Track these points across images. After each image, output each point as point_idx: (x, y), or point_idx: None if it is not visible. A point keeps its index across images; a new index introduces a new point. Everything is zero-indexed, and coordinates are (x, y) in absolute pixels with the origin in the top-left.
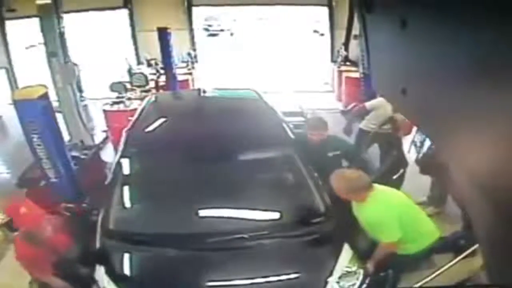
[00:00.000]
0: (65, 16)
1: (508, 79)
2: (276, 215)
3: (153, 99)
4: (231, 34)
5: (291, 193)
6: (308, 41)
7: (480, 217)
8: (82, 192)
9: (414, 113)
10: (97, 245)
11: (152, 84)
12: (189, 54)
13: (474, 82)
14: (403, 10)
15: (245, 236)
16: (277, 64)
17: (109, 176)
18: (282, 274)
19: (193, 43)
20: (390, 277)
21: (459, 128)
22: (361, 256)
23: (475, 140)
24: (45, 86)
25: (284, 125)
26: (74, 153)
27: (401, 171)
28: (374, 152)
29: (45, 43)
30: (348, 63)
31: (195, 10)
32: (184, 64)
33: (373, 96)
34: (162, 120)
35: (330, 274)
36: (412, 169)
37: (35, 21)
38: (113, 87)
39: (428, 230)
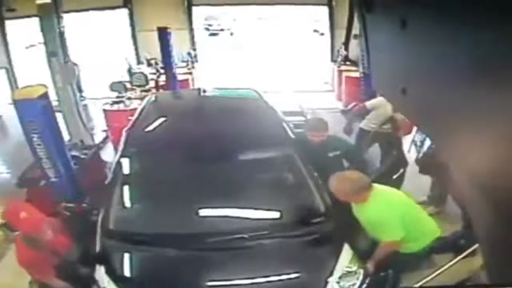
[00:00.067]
0: (65, 15)
1: (508, 79)
2: (276, 215)
3: (153, 98)
4: (231, 34)
5: (291, 193)
6: (308, 41)
7: (480, 216)
8: (82, 191)
9: (414, 113)
10: (97, 245)
11: (152, 83)
12: (189, 53)
13: (474, 82)
14: (403, 10)
15: (245, 236)
16: (277, 64)
17: (109, 175)
18: (282, 274)
19: (193, 42)
20: (390, 277)
21: (459, 128)
22: (361, 256)
23: (475, 139)
24: (45, 86)
25: (284, 124)
26: (74, 153)
27: (401, 170)
28: (375, 152)
29: (45, 43)
30: (348, 62)
31: (195, 9)
32: (184, 64)
33: (373, 96)
34: (162, 119)
35: (330, 274)
36: (412, 169)
37: (35, 20)
38: (113, 86)
39: (429, 228)
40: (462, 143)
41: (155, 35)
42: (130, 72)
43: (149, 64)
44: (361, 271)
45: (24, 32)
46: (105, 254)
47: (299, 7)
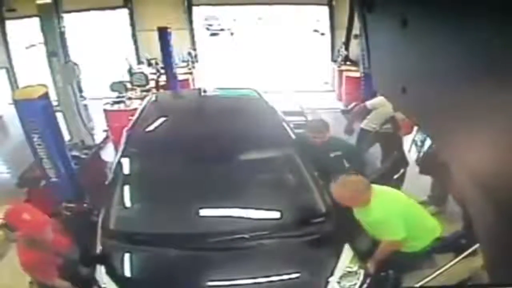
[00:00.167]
0: (65, 15)
1: (508, 78)
2: (277, 215)
3: (153, 98)
4: (231, 34)
5: (292, 193)
6: (309, 41)
7: (481, 216)
8: (83, 191)
9: (414, 112)
10: (98, 245)
11: (152, 83)
12: (189, 53)
13: (475, 81)
14: (404, 10)
15: (246, 236)
16: (277, 64)
17: (110, 175)
18: (283, 274)
19: (193, 42)
20: (391, 277)
21: (460, 127)
22: (362, 256)
23: (475, 139)
24: (45, 86)
25: (285, 124)
26: (75, 153)
27: (402, 171)
28: (376, 151)
29: (46, 43)
30: (348, 62)
31: (195, 9)
32: (185, 64)
33: (373, 96)
34: (162, 119)
35: (331, 274)
36: (413, 169)
37: (36, 20)
38: (114, 86)
39: (430, 227)
40: (462, 142)
41: (155, 35)
42: (130, 72)
43: (150, 64)
44: (362, 271)
45: (25, 32)
46: (106, 254)
47: (299, 7)
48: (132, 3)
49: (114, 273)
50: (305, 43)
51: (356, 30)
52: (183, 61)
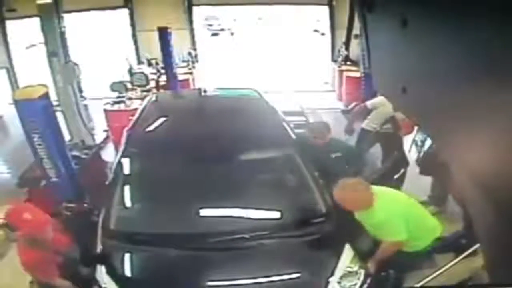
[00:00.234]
0: (65, 15)
1: (509, 78)
2: (277, 215)
3: (153, 98)
4: (232, 34)
5: (292, 193)
6: (309, 41)
7: (481, 216)
8: (83, 191)
9: (414, 112)
10: (98, 245)
11: (152, 83)
12: (189, 53)
13: (475, 81)
14: (404, 10)
15: (246, 236)
16: (277, 64)
17: (110, 175)
18: (283, 274)
19: (193, 42)
20: (392, 277)
21: (460, 127)
22: (362, 256)
23: (475, 139)
24: (45, 86)
25: (285, 124)
26: (75, 153)
27: (402, 171)
28: (377, 152)
29: (46, 43)
30: (348, 62)
31: (195, 9)
32: (185, 64)
33: (374, 96)
34: (163, 119)
35: (332, 274)
36: (413, 169)
37: (36, 20)
38: (114, 86)
39: (431, 226)
40: (462, 142)
41: (155, 35)
42: (130, 72)
43: (150, 64)
44: (362, 271)
45: (25, 32)
46: (106, 254)
47: (299, 7)
48: (132, 3)
49: (114, 273)
50: (305, 43)
51: (356, 30)
52: (183, 61)
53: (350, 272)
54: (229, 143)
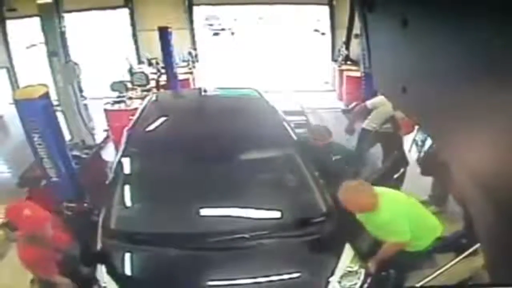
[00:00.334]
0: (66, 15)
1: (509, 78)
2: (277, 215)
3: (154, 98)
4: (232, 33)
5: (292, 193)
6: (309, 40)
7: (481, 216)
8: (83, 191)
9: (415, 112)
10: (98, 244)
11: (153, 83)
12: (190, 53)
13: (475, 81)
14: (404, 9)
15: (246, 236)
16: (278, 63)
17: (110, 175)
18: (283, 274)
19: (193, 42)
20: (392, 277)
21: (460, 127)
22: (363, 255)
23: (476, 139)
24: (46, 86)
25: (286, 124)
26: (75, 153)
27: (402, 170)
28: (377, 152)
29: (46, 43)
30: (349, 62)
31: (195, 9)
32: (185, 64)
33: (374, 95)
34: (163, 119)
35: (332, 273)
36: (413, 168)
37: (36, 20)
38: (114, 86)
39: (433, 225)
40: (463, 142)
41: (156, 34)
42: (131, 71)
43: (150, 64)
44: (363, 270)
45: (25, 32)
46: (106, 254)
47: (300, 7)
48: (132, 3)
49: (114, 273)
50: (306, 43)
51: (356, 29)
52: (184, 61)
53: (350, 271)
54: (229, 143)
